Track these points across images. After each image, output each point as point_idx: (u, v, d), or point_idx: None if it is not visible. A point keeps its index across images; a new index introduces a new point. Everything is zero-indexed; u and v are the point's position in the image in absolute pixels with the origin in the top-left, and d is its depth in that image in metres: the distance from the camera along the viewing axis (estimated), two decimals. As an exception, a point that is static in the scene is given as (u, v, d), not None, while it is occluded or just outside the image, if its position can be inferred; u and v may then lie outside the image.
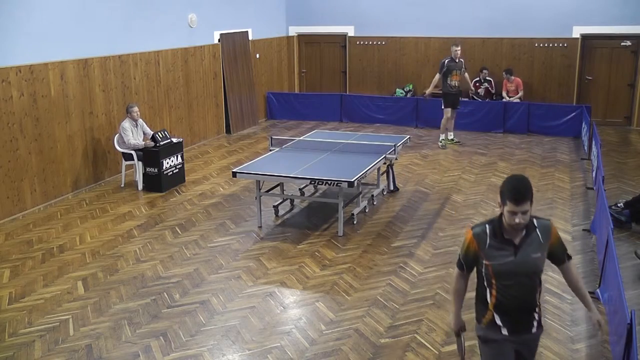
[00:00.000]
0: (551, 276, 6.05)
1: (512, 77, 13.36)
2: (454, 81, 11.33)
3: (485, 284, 3.35)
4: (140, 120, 9.17)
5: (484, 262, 3.29)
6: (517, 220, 3.16)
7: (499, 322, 3.33)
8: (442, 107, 11.54)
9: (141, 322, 5.31)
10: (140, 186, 9.08)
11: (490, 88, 13.67)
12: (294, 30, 15.67)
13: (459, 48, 11.31)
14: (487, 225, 3.37)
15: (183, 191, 9.08)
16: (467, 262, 3.41)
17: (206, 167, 10.43)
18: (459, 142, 11.82)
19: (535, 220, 3.29)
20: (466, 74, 11.74)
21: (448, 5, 14.05)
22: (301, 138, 9.10)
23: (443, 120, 11.53)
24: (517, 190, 3.13)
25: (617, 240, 6.42)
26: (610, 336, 4.72)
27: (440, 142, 11.54)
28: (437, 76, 11.42)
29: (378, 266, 6.37)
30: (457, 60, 11.31)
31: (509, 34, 13.73)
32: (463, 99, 13.61)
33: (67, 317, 5.42)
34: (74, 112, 8.87)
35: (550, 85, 13.68)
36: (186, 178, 9.57)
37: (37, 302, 5.70)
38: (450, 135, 11.84)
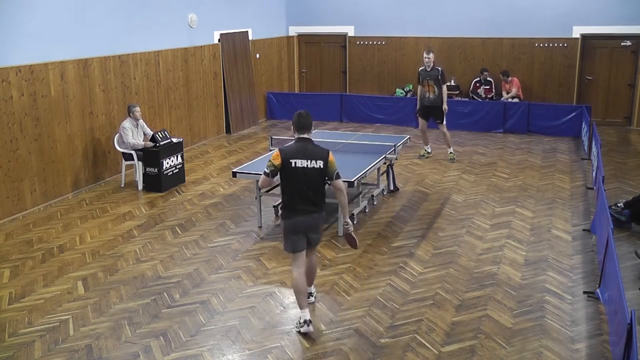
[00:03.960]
0: (551, 276, 6.06)
1: (510, 78, 13.38)
2: (424, 92, 10.39)
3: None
4: (141, 121, 9.17)
5: None
6: None
7: None
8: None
9: (141, 322, 5.31)
10: (140, 186, 9.08)
11: (491, 89, 13.66)
12: (294, 30, 15.67)
13: (429, 56, 10.17)
14: None
15: (183, 191, 9.08)
16: None
17: (206, 167, 10.43)
18: (429, 154, 10.87)
19: None
20: (444, 87, 10.26)
21: (448, 5, 14.04)
22: (301, 138, 9.09)
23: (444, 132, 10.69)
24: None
25: (617, 240, 6.41)
26: (610, 336, 4.72)
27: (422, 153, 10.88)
28: (419, 87, 10.56)
29: (378, 266, 6.37)
30: (428, 69, 10.22)
31: (509, 34, 13.73)
32: (464, 98, 13.66)
33: (67, 317, 5.42)
34: (74, 112, 8.87)
35: (550, 85, 13.67)
36: (186, 178, 9.57)
37: (37, 302, 5.70)
38: (428, 149, 10.92)
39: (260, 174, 7.28)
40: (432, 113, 10.53)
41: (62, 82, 8.62)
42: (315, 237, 5.18)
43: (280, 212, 5.17)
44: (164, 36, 10.81)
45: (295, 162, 4.93)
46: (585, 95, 13.47)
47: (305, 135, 5.05)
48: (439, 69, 10.29)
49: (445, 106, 10.37)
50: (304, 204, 5.01)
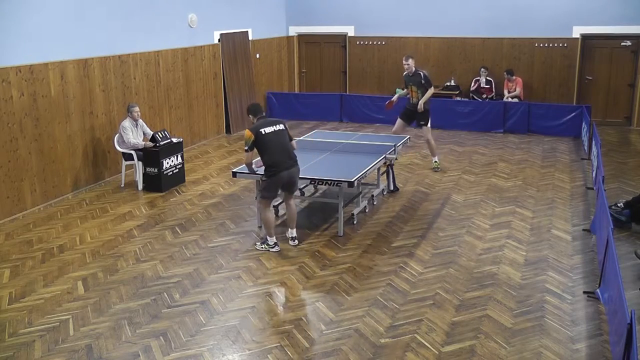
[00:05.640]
0: (551, 276, 6.06)
1: (514, 77, 13.37)
2: (409, 96, 10.05)
3: None
4: (140, 121, 9.17)
5: None
6: None
7: None
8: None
9: (141, 322, 5.31)
10: (140, 186, 9.08)
11: (491, 89, 13.66)
12: (294, 30, 15.67)
13: (408, 62, 9.79)
14: None
15: (183, 191, 9.08)
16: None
17: (206, 167, 10.43)
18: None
19: None
20: (430, 89, 9.82)
21: (448, 5, 14.04)
22: (301, 138, 9.10)
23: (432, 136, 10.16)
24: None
25: (617, 240, 6.42)
26: (610, 336, 4.72)
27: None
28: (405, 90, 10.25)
29: (378, 266, 6.37)
30: (410, 75, 9.84)
31: (509, 33, 13.73)
32: (464, 98, 13.66)
33: (67, 317, 5.42)
34: (74, 112, 8.87)
35: (550, 85, 13.68)
36: (186, 178, 9.57)
37: (37, 302, 5.70)
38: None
39: (260, 174, 7.39)
40: (416, 116, 10.06)
41: (62, 82, 8.63)
42: (294, 188, 6.76)
43: (264, 172, 6.56)
44: (164, 36, 10.81)
45: (264, 130, 6.41)
46: (585, 96, 13.46)
47: (262, 115, 6.68)
48: (421, 73, 9.87)
49: (421, 104, 9.69)
50: (284, 158, 6.44)
